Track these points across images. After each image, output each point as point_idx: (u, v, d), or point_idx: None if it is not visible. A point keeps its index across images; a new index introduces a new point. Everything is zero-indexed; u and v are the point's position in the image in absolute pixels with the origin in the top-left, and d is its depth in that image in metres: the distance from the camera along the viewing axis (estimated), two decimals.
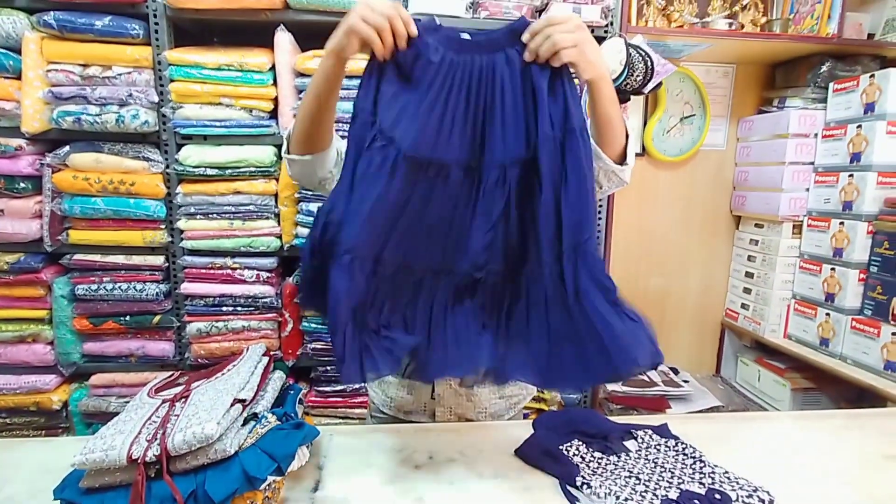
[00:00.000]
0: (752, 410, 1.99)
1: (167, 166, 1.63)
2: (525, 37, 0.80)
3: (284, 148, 1.00)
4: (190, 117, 1.61)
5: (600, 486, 0.81)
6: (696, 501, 0.78)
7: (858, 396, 1.67)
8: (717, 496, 0.79)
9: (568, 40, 0.76)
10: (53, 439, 1.18)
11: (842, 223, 1.80)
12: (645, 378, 2.04)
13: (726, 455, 0.91)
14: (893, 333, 1.59)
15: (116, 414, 0.81)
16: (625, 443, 0.95)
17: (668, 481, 0.84)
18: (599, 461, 0.90)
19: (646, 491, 0.81)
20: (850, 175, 1.78)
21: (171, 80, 1.58)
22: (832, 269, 1.83)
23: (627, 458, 0.91)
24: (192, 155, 1.61)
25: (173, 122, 1.60)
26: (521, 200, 0.82)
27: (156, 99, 1.57)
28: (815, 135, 1.94)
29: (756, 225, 2.15)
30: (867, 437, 1.05)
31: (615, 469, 0.87)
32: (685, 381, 2.05)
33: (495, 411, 1.14)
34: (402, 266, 0.81)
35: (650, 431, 0.98)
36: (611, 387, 1.97)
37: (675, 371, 2.15)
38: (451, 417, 1.11)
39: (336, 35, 0.80)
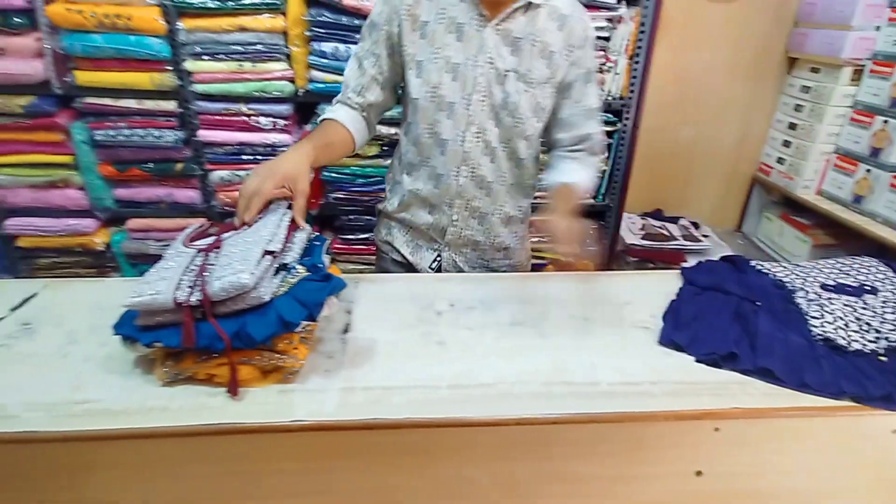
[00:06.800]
0: None
1: None
2: None
3: None
4: None
5: None
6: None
7: (878, 254, 1.66)
8: None
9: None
10: (105, 280, 1.27)
11: None
12: (665, 232, 2.05)
13: None
14: None
15: (157, 255, 0.86)
16: None
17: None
18: None
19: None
20: None
21: None
22: (885, 121, 1.69)
23: None
24: None
25: None
26: None
27: None
28: None
29: (812, 69, 1.94)
30: None
31: None
32: (705, 236, 2.06)
33: (503, 243, 1.15)
34: None
35: None
36: (629, 239, 1.99)
37: (696, 225, 2.15)
38: (463, 226, 1.12)
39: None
